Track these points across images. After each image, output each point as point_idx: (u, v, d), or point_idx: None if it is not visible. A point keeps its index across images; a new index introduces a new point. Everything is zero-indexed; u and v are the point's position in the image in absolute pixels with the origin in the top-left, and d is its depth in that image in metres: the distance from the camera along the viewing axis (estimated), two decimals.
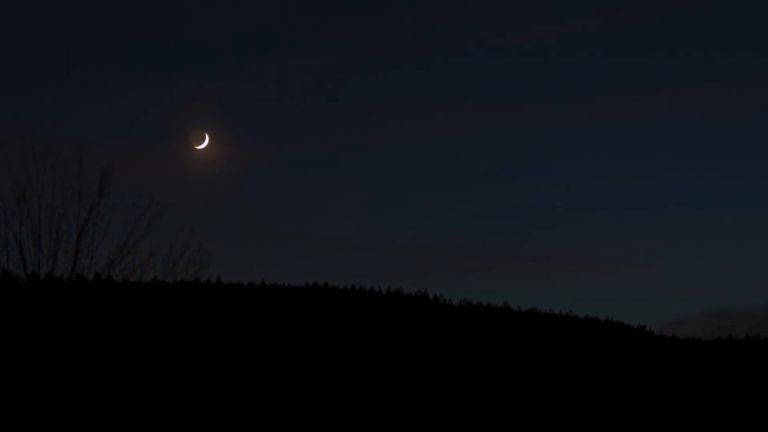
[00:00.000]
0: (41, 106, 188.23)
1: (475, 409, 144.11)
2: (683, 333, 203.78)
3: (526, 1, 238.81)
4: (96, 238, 49.53)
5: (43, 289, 49.10)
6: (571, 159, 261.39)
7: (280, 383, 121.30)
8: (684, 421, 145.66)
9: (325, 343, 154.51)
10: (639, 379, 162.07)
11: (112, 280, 49.73)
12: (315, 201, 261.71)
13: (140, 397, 51.14)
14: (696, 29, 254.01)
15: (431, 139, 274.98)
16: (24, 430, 47.75)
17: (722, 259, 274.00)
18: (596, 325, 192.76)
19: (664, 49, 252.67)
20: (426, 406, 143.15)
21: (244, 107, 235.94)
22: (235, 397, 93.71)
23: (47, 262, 49.03)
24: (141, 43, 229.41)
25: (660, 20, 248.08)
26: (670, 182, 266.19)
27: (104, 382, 49.95)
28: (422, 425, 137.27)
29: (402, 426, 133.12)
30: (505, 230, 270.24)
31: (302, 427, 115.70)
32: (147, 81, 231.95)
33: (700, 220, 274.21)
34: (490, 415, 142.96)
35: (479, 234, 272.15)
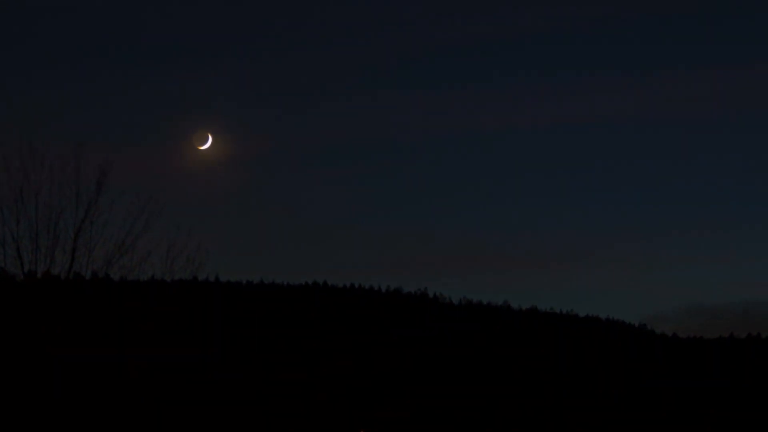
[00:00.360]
0: (39, 103, 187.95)
1: (475, 409, 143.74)
2: (658, 330, 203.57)
3: None
4: (93, 236, 49.21)
5: (41, 287, 48.72)
6: (562, 156, 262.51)
7: (279, 383, 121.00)
8: (685, 421, 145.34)
9: (325, 343, 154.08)
10: (640, 379, 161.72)
11: (110, 278, 49.46)
12: (314, 199, 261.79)
13: (139, 397, 50.87)
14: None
15: (432, 137, 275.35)
16: (22, 431, 47.40)
17: (697, 256, 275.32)
18: (597, 324, 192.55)
19: (660, 40, 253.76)
20: (426, 406, 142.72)
21: (243, 106, 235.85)
22: (233, 397, 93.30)
23: (44, 261, 48.74)
24: (142, 41, 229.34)
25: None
26: (646, 180, 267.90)
27: (102, 382, 49.64)
28: (422, 425, 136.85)
29: (402, 426, 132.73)
30: (500, 228, 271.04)
31: (302, 427, 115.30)
32: (146, 79, 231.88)
33: (675, 217, 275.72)
34: (491, 414, 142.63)
35: (478, 232, 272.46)
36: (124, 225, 49.16)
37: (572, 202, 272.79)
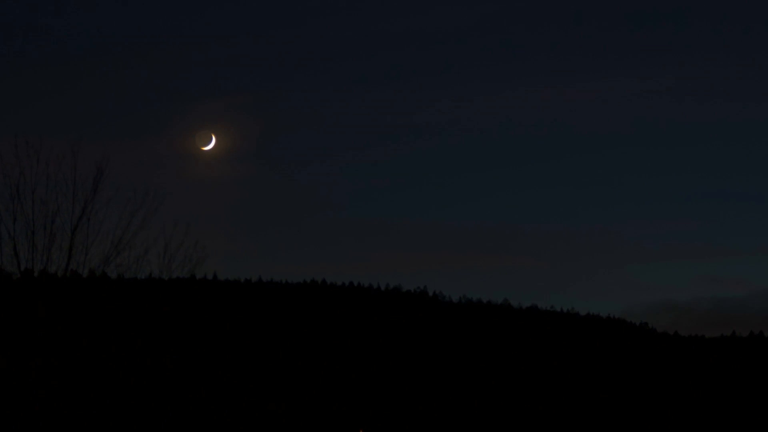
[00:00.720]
0: (37, 100, 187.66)
1: (475, 408, 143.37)
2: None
3: None
4: (90, 234, 48.82)
5: (37, 286, 48.31)
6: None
7: (278, 382, 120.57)
8: (686, 419, 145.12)
9: (324, 341, 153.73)
10: (641, 377, 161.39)
11: (107, 276, 49.08)
12: (312, 197, 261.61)
13: (136, 396, 50.49)
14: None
15: (431, 134, 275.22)
16: (21, 428, 46.99)
17: (667, 253, 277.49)
18: (597, 323, 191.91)
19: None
20: (425, 405, 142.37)
21: (242, 104, 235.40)
22: (232, 396, 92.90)
23: (41, 259, 48.31)
24: (141, 38, 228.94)
25: None
26: (619, 180, 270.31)
27: (99, 381, 49.22)
28: (421, 424, 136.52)
29: (401, 425, 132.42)
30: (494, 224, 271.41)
31: (301, 427, 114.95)
32: (144, 77, 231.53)
33: (646, 214, 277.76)
34: (490, 414, 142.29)
35: (476, 230, 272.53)
36: (121, 222, 48.89)
37: (542, 198, 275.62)
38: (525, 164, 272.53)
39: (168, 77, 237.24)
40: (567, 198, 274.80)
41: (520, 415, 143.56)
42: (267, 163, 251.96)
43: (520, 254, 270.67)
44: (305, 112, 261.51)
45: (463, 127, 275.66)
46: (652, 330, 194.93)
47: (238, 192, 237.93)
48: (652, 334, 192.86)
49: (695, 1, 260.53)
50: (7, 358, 47.78)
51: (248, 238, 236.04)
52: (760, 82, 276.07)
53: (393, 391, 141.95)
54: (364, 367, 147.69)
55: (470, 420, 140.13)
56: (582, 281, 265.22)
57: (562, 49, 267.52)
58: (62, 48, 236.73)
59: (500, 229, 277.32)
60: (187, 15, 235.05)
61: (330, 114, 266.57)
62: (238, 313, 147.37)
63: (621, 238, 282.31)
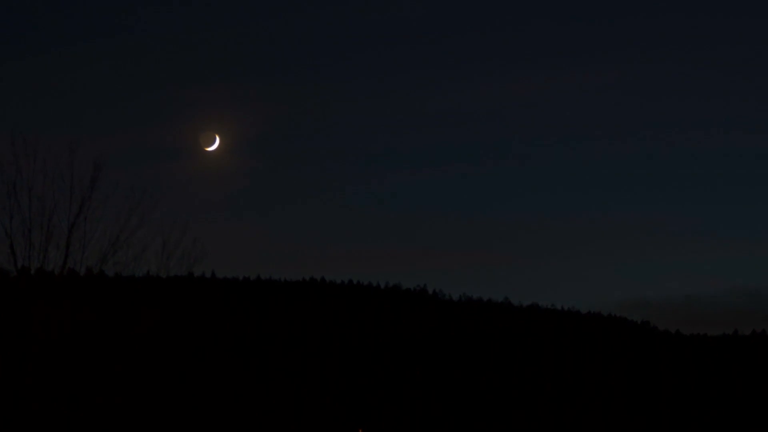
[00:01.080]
0: (35, 97, 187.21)
1: (475, 407, 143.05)
2: None
3: None
4: (88, 232, 48.40)
5: (34, 284, 47.90)
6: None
7: (277, 381, 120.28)
8: (686, 417, 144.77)
9: (323, 340, 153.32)
10: (642, 375, 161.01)
11: (105, 274, 48.68)
12: (313, 195, 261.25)
13: (134, 394, 50.17)
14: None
15: (431, 133, 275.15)
16: (17, 426, 46.67)
17: (639, 250, 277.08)
18: (599, 321, 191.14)
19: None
20: (425, 404, 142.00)
21: (239, 101, 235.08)
22: (230, 395, 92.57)
23: (38, 257, 47.90)
24: (139, 35, 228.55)
25: None
26: (596, 175, 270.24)
27: (97, 380, 48.87)
28: (421, 424, 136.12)
29: (400, 425, 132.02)
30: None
31: (300, 425, 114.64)
32: (142, 74, 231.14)
33: (621, 212, 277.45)
34: (490, 412, 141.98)
35: (477, 228, 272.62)
36: (119, 220, 48.52)
37: (518, 194, 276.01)
38: (518, 162, 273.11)
39: (168, 74, 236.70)
40: (547, 195, 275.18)
41: (520, 415, 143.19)
42: (266, 160, 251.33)
43: (474, 251, 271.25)
44: (306, 108, 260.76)
45: (462, 125, 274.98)
46: (653, 329, 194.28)
47: (237, 189, 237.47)
48: (653, 332, 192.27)
49: None
50: (4, 357, 47.44)
51: (247, 236, 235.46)
52: (740, 77, 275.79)
53: (392, 391, 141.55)
54: (363, 366, 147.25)
55: (470, 420, 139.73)
56: (553, 277, 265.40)
57: (554, 42, 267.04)
58: (60, 45, 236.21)
59: (493, 227, 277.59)
60: (187, 12, 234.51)
61: (332, 109, 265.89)
62: (237, 311, 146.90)
63: (595, 234, 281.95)
